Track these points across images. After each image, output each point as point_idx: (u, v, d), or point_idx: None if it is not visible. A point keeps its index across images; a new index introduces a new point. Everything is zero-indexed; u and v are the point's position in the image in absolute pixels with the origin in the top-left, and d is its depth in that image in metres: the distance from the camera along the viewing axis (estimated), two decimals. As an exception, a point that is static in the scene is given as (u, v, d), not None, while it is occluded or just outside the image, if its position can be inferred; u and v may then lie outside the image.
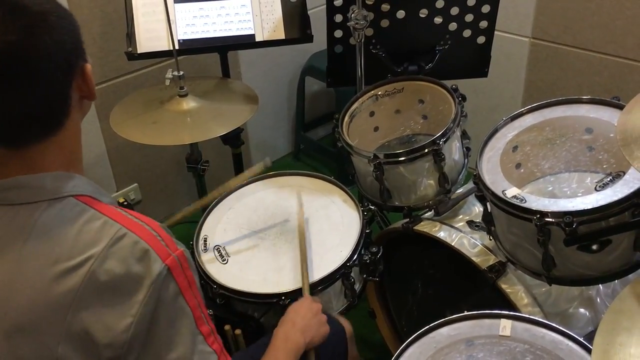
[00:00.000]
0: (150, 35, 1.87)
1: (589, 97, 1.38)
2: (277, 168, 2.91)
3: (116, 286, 0.84)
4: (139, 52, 1.86)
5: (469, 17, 1.80)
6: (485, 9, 1.79)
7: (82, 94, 0.92)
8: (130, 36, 1.87)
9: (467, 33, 1.83)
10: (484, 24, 1.82)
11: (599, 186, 1.24)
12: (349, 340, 1.40)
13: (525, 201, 1.22)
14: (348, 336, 1.40)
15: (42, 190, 0.87)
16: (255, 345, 1.30)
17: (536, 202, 1.22)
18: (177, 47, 1.78)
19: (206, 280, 1.45)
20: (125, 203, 1.71)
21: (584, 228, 1.16)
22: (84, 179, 0.92)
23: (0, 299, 0.84)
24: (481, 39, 1.85)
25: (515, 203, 1.23)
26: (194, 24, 1.91)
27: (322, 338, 1.26)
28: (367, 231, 1.53)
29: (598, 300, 1.45)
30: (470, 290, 1.60)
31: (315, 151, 3.08)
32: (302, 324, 1.22)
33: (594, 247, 1.19)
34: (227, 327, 1.39)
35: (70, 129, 0.91)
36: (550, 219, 1.17)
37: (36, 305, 0.83)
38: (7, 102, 0.82)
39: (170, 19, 1.71)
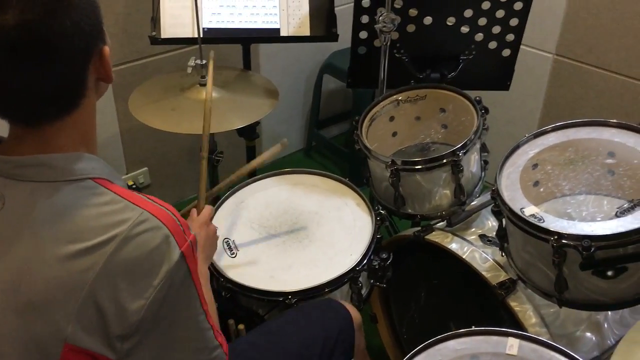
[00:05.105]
0: (175, 22, 1.86)
1: (616, 120, 1.36)
2: (289, 164, 2.92)
3: (135, 269, 0.84)
4: (162, 37, 1.85)
5: (496, 29, 1.79)
6: (514, 22, 1.77)
7: (98, 76, 0.91)
8: (155, 20, 1.86)
9: (492, 45, 1.82)
10: (510, 37, 1.81)
11: (620, 212, 1.22)
12: (357, 330, 1.37)
13: (544, 221, 1.21)
14: (356, 326, 1.37)
15: (61, 170, 0.87)
16: (255, 332, 1.31)
17: (554, 222, 1.20)
18: (201, 35, 1.76)
19: (213, 273, 1.44)
20: (134, 186, 1.70)
21: (602, 253, 1.15)
22: (101, 161, 0.92)
23: (14, 276, 0.84)
24: (506, 52, 1.84)
25: (533, 222, 1.21)
26: (219, 13, 1.89)
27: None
28: (378, 236, 1.52)
29: (605, 325, 1.44)
30: (476, 304, 1.59)
31: (327, 149, 3.06)
32: (205, 255, 1.33)
33: (609, 273, 1.18)
34: (230, 321, 1.39)
35: (86, 109, 0.90)
36: (568, 242, 1.16)
37: (50, 283, 0.82)
38: (24, 81, 0.82)
39: (197, 6, 1.69)
